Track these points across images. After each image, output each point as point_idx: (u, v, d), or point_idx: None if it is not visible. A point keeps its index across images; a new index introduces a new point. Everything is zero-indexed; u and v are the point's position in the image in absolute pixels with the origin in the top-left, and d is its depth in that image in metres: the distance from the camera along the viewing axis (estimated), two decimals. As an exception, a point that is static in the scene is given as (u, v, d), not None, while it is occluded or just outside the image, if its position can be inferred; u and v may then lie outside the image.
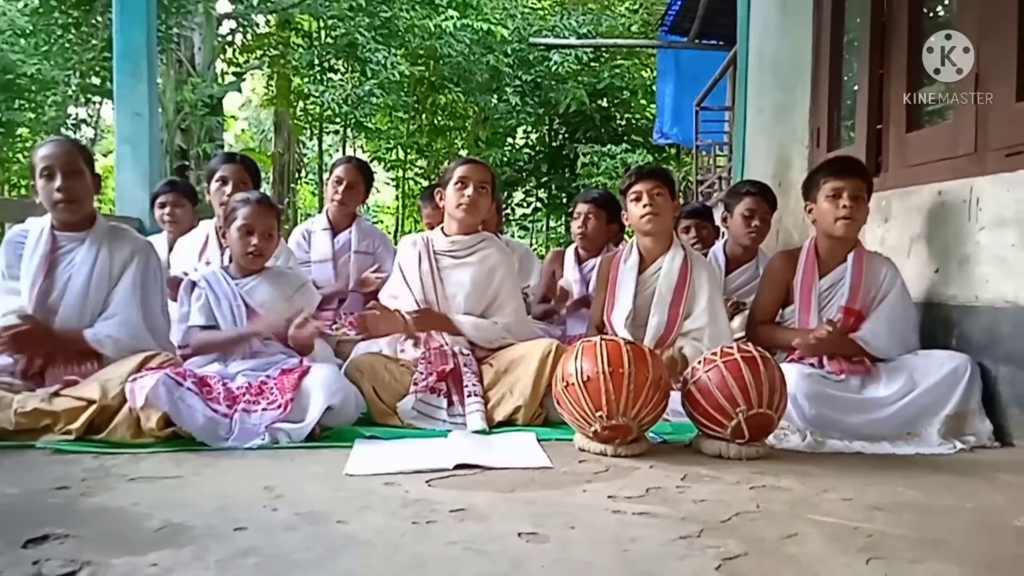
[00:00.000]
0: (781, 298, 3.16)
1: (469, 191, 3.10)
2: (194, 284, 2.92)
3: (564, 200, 15.46)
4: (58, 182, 2.66)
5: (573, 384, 2.41)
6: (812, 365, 2.90)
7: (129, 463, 2.23)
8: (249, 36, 15.01)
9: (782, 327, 3.14)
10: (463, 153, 14.61)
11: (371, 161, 16.90)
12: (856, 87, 4.03)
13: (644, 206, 3.13)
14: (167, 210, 4.09)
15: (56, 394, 2.49)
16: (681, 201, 3.36)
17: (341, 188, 4.04)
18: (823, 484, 2.15)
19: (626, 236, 4.35)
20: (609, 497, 1.99)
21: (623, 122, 15.53)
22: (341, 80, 13.70)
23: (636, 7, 15.26)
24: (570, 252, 4.21)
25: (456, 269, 3.16)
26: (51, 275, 2.71)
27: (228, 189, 3.52)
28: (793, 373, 2.72)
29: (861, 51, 3.91)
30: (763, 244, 3.92)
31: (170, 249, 3.93)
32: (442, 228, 3.23)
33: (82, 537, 1.62)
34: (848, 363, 2.87)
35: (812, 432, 2.66)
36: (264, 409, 2.53)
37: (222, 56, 14.60)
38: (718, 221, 4.34)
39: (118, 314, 2.73)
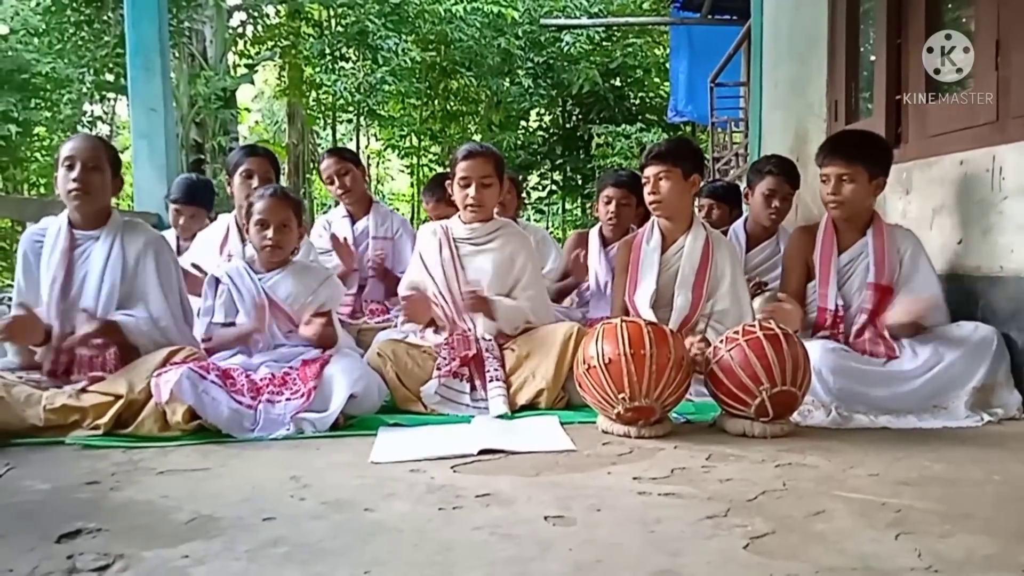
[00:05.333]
0: (806, 275, 3.11)
1: (472, 190, 3.08)
2: (218, 280, 2.92)
3: (580, 182, 15.35)
4: (76, 173, 2.69)
5: (595, 367, 2.41)
6: (836, 340, 2.87)
7: (157, 456, 2.26)
8: (260, 27, 15.03)
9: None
10: (477, 138, 14.53)
11: (384, 149, 16.94)
12: (873, 58, 3.97)
13: (649, 192, 3.10)
14: (182, 219, 4.07)
15: (83, 390, 2.52)
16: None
17: (337, 183, 4.06)
18: (849, 460, 2.14)
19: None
20: (634, 479, 2.00)
21: (637, 101, 15.38)
22: (353, 68, 13.69)
23: (648, -17, 15.11)
24: (594, 235, 4.02)
25: (477, 256, 3.15)
26: (70, 272, 2.73)
27: (254, 183, 3.44)
28: (817, 348, 2.70)
29: (878, 20, 3.84)
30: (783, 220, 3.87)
31: (178, 246, 3.88)
32: (459, 216, 3.22)
33: (114, 531, 1.64)
34: (873, 345, 2.84)
35: (837, 407, 2.64)
36: (288, 399, 2.56)
37: (234, 48, 14.63)
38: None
39: (144, 306, 2.75)
